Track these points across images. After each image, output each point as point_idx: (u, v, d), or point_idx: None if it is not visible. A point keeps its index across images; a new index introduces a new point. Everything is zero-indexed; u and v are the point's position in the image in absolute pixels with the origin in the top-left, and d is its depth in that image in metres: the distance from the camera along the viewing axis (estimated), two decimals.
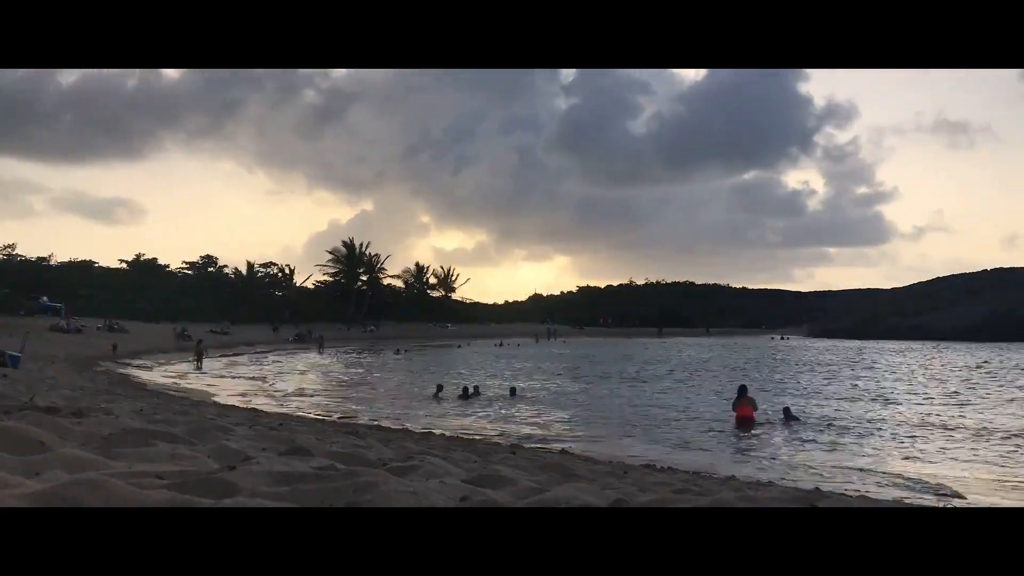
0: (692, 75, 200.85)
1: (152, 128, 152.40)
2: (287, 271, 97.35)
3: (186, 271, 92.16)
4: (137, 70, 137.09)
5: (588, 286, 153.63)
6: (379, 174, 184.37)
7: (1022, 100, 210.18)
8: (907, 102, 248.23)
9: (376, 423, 15.91)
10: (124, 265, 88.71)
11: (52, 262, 77.17)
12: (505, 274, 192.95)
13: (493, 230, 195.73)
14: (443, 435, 13.73)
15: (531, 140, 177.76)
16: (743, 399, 17.12)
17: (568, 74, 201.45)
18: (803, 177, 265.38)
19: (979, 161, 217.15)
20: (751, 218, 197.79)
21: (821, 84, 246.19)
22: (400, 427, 15.31)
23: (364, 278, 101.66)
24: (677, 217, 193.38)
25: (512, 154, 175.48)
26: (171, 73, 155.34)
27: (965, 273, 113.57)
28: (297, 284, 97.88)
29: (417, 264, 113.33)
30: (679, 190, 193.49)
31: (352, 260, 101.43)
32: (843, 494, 8.63)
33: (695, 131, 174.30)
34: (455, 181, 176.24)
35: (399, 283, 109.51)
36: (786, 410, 17.51)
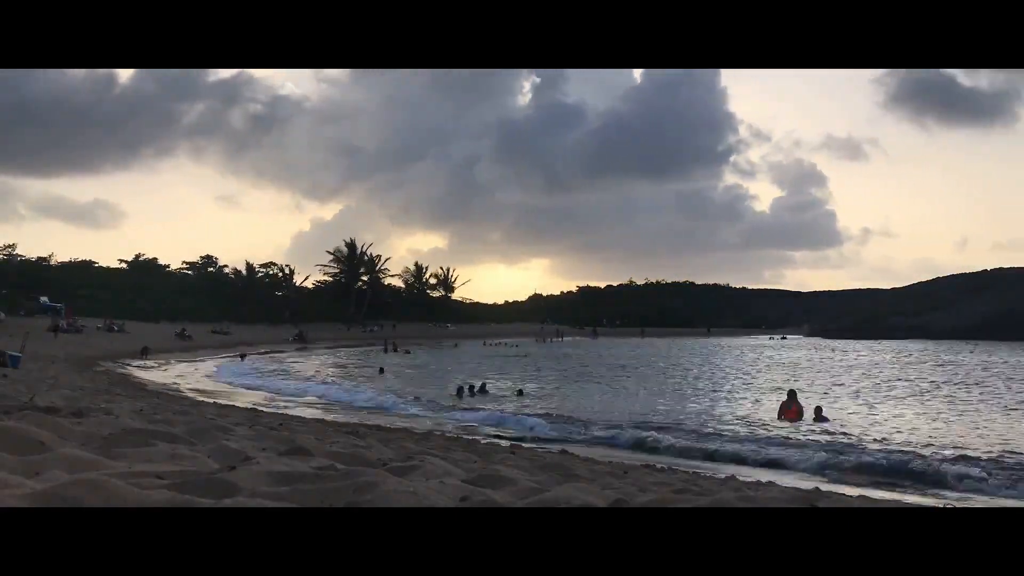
0: (626, 87, 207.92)
1: (108, 137, 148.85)
2: (287, 271, 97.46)
3: (186, 271, 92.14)
4: (85, 75, 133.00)
5: (588, 286, 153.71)
6: (348, 179, 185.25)
7: (883, 119, 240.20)
8: (801, 120, 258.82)
9: (376, 423, 15.91)
10: (124, 265, 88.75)
11: (52, 262, 77.26)
12: (479, 275, 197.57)
13: (456, 234, 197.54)
14: (443, 435, 13.73)
15: (500, 146, 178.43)
16: (793, 402, 18.73)
17: (526, 85, 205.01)
18: (745, 185, 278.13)
19: (882, 172, 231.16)
20: (707, 223, 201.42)
21: (742, 101, 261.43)
22: (400, 427, 15.32)
23: (364, 278, 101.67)
24: (632, 221, 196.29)
25: (477, 161, 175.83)
26: (125, 79, 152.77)
27: (965, 273, 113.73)
28: (297, 284, 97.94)
29: (417, 264, 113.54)
30: (628, 195, 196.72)
31: (352, 260, 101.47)
32: (843, 494, 8.64)
33: (637, 141, 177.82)
34: (419, 186, 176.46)
35: (399, 283, 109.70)
36: (817, 409, 18.56)
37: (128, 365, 34.19)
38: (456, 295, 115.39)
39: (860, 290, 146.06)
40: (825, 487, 9.72)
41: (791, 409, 18.37)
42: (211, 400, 18.97)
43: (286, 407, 19.44)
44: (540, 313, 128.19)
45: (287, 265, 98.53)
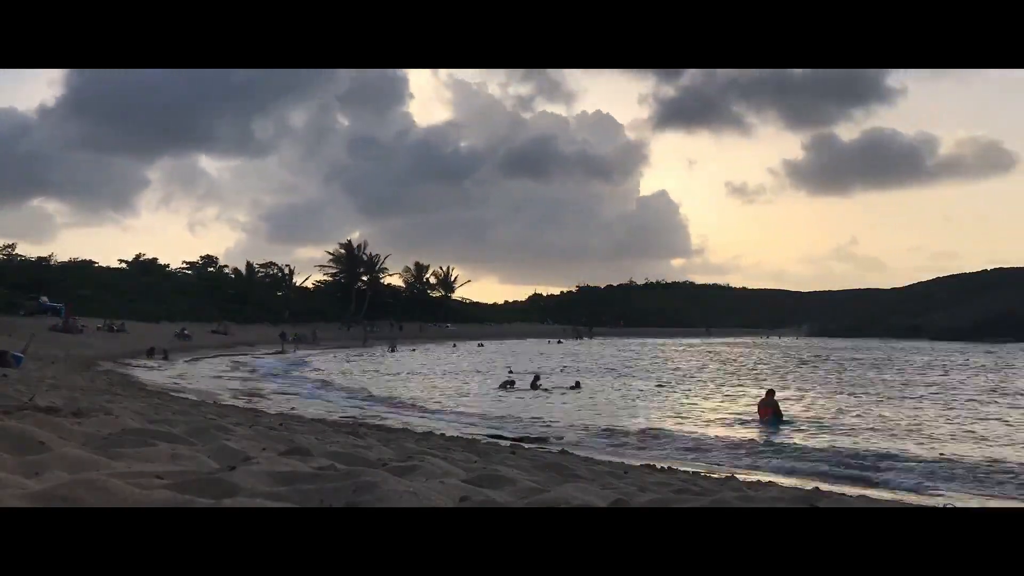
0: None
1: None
2: (287, 271, 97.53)
3: (186, 271, 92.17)
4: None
5: (587, 286, 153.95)
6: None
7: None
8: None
9: (376, 423, 15.90)
10: (124, 265, 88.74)
11: (52, 262, 77.21)
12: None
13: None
14: (443, 435, 13.73)
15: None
16: (769, 400, 18.86)
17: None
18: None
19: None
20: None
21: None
22: (400, 427, 15.32)
23: (364, 278, 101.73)
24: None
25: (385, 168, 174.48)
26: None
27: (964, 273, 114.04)
28: (297, 284, 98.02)
29: (417, 263, 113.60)
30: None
31: (352, 260, 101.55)
32: (843, 494, 8.64)
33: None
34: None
35: (399, 283, 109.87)
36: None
37: (143, 365, 34.20)
38: (456, 295, 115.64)
39: (860, 290, 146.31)
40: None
41: (765, 406, 18.53)
42: (211, 400, 18.97)
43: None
44: (540, 313, 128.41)
45: (287, 265, 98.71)
